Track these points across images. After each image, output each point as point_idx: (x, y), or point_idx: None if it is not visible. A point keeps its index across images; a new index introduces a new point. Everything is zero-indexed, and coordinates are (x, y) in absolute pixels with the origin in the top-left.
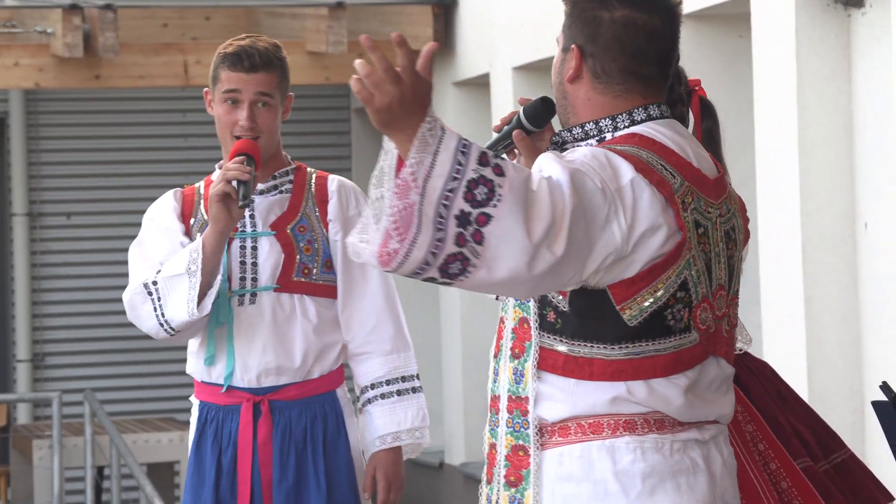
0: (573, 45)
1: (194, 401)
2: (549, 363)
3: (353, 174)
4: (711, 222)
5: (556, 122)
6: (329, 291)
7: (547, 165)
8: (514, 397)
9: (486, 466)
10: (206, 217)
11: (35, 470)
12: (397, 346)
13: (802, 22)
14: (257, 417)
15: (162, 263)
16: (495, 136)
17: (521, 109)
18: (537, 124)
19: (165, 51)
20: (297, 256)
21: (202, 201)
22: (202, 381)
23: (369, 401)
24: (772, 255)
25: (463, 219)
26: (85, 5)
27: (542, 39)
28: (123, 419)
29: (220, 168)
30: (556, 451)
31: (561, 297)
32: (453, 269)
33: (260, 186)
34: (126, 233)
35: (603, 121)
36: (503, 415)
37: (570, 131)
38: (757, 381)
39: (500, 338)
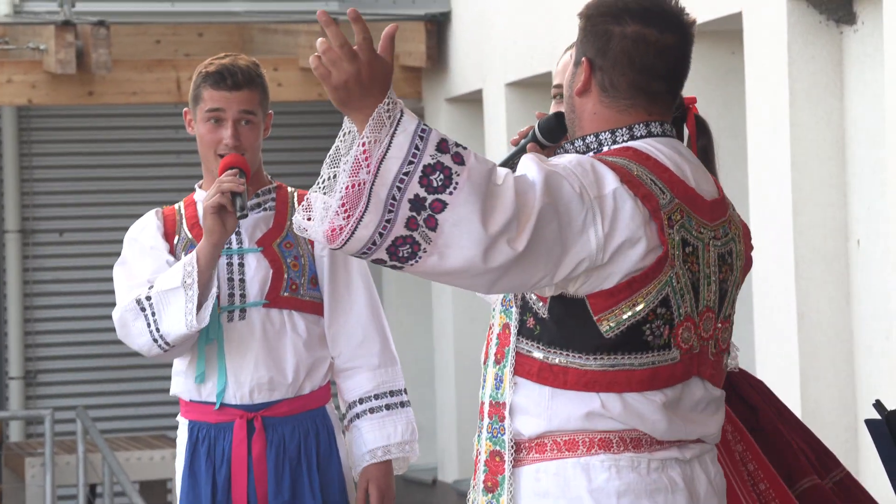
0: (584, 58)
1: (182, 421)
2: (525, 369)
3: None
4: (703, 243)
5: None
6: (315, 308)
7: (525, 165)
8: (493, 403)
9: (473, 472)
10: (189, 236)
11: (27, 488)
12: (384, 360)
13: (795, 39)
14: (251, 434)
15: (150, 281)
16: (513, 149)
17: (536, 123)
18: (552, 139)
19: (158, 67)
20: (285, 272)
21: (184, 220)
22: (191, 401)
23: (357, 415)
24: (764, 271)
25: (417, 203)
26: (78, 22)
27: (535, 56)
28: (116, 437)
29: (200, 188)
30: (533, 467)
31: (541, 304)
32: (403, 252)
33: None
34: (119, 250)
35: (603, 134)
36: (485, 420)
37: (573, 143)
38: (760, 399)
39: (487, 343)
